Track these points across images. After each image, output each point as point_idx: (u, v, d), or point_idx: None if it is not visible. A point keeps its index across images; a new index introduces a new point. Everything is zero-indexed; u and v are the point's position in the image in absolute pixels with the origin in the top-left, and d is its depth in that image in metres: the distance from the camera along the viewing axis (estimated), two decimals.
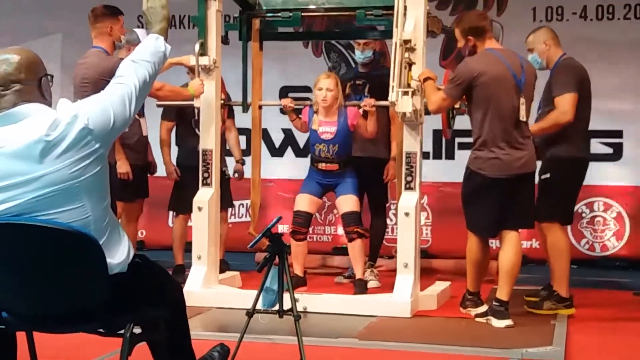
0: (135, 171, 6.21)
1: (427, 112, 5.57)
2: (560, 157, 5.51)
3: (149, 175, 6.69)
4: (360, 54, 6.67)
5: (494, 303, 5.18)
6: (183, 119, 6.64)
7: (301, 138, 7.79)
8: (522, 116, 5.15)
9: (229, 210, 7.17)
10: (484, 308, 5.33)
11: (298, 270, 6.17)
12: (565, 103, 5.45)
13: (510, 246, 5.19)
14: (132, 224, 6.54)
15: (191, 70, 6.07)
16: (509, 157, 5.10)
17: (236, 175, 6.88)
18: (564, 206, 5.64)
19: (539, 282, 5.92)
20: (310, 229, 6.51)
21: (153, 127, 6.80)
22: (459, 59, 5.60)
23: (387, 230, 6.86)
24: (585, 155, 5.73)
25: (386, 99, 5.97)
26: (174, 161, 6.79)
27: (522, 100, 5.14)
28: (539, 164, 5.50)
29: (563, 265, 5.61)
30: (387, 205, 6.84)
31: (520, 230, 5.30)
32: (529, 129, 5.29)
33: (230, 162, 6.87)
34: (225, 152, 6.69)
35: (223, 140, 6.73)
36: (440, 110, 5.42)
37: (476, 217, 5.24)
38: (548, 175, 5.58)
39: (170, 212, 7.85)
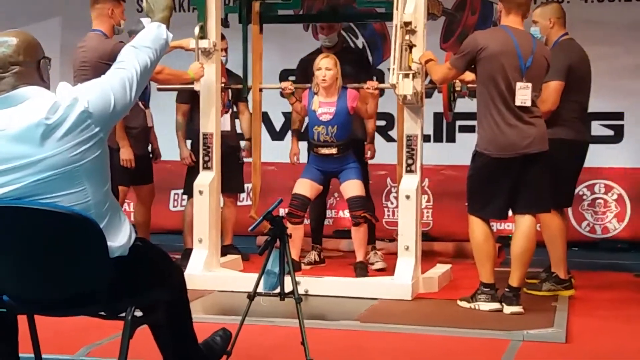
0: (136, 159, 6.23)
1: (428, 95, 5.54)
2: (553, 140, 5.42)
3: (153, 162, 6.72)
4: (326, 38, 6.61)
5: (505, 289, 5.11)
6: (197, 102, 6.58)
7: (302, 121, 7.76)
8: (523, 101, 4.97)
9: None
10: (496, 305, 5.06)
11: (293, 254, 6.10)
12: (547, 91, 5.40)
13: (520, 231, 5.10)
14: (144, 208, 6.58)
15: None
16: (510, 136, 5.00)
17: (244, 153, 6.83)
18: (558, 189, 5.57)
19: (540, 265, 5.91)
20: None
21: (162, 113, 6.77)
22: (460, 42, 5.56)
23: (375, 207, 6.76)
24: (582, 138, 5.69)
25: (356, 80, 6.00)
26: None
27: (525, 84, 4.98)
28: None
29: (559, 247, 5.60)
30: (388, 188, 6.79)
31: (536, 214, 5.18)
32: (538, 109, 5.15)
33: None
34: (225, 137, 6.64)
35: (234, 124, 6.73)
36: (446, 80, 5.35)
37: (477, 197, 5.16)
38: None
39: (172, 196, 7.83)
